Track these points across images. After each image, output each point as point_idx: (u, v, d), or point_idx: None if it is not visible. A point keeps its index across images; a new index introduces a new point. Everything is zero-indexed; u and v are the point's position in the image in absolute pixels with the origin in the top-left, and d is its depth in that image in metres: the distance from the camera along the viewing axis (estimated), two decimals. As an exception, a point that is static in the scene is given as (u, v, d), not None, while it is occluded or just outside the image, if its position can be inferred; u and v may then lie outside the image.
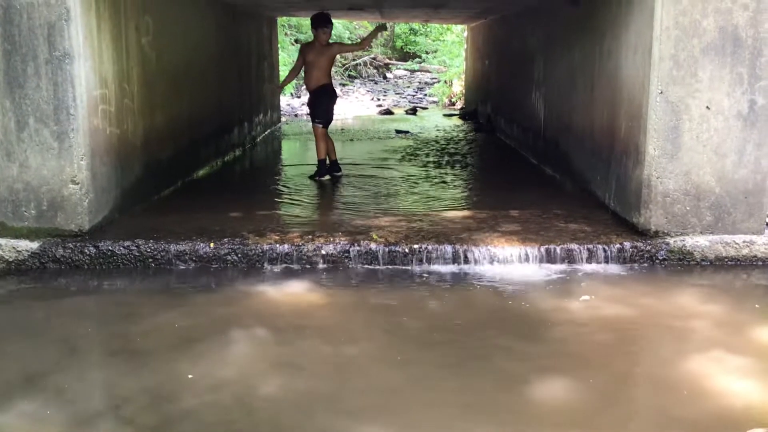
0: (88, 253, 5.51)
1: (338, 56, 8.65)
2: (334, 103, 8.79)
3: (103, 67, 5.90)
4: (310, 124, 8.90)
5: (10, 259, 5.50)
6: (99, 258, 5.51)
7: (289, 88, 20.00)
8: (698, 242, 5.71)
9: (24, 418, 3.42)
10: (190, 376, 3.80)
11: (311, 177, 8.71)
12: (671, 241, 5.70)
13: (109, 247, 5.53)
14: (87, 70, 5.59)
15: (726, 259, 5.70)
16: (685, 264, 5.66)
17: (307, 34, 22.81)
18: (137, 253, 5.53)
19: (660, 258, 5.65)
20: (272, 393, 3.67)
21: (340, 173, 8.86)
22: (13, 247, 5.51)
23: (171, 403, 3.55)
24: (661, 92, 5.52)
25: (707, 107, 5.56)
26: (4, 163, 5.52)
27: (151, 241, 5.59)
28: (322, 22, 8.37)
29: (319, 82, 8.52)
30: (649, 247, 5.66)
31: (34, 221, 5.60)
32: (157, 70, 7.18)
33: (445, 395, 3.66)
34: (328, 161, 8.82)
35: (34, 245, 5.52)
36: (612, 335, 4.40)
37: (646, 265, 5.63)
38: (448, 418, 3.44)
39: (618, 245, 5.65)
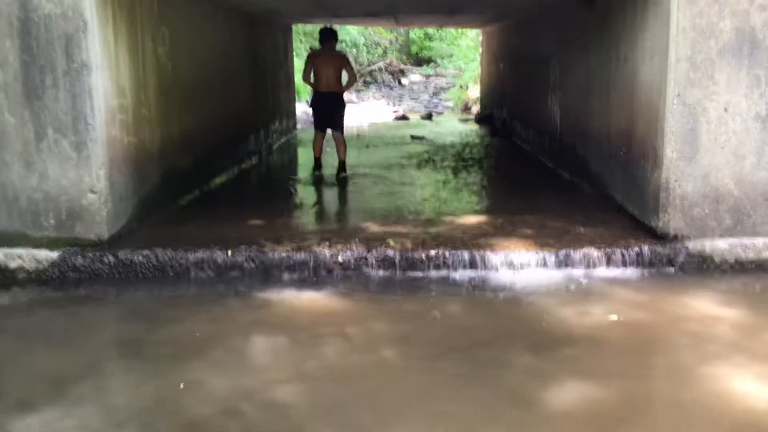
0: (107, 261, 5.55)
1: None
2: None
3: (121, 78, 5.95)
4: (328, 130, 9.49)
5: (31, 269, 5.55)
6: (118, 267, 5.55)
7: (305, 95, 20.08)
8: (718, 245, 5.66)
9: (45, 425, 3.45)
10: (209, 384, 3.81)
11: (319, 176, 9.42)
12: (690, 244, 5.66)
13: (128, 256, 5.56)
14: (105, 80, 5.64)
15: (746, 263, 5.64)
16: (704, 268, 5.61)
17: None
18: (155, 262, 5.56)
19: (679, 262, 5.60)
20: (290, 400, 3.68)
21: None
22: (34, 257, 5.56)
23: (191, 410, 3.56)
24: (678, 95, 5.49)
25: (725, 109, 5.52)
26: (24, 174, 5.58)
27: (169, 249, 5.62)
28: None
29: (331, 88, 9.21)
30: (668, 251, 5.62)
31: (54, 231, 5.65)
32: (174, 80, 7.23)
33: (460, 406, 3.64)
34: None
35: (53, 255, 5.57)
36: (632, 341, 4.37)
37: (665, 269, 5.58)
38: (463, 429, 3.42)
39: (637, 249, 5.61)
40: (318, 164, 9.60)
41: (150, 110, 6.59)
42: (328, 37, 9.30)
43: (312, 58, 9.35)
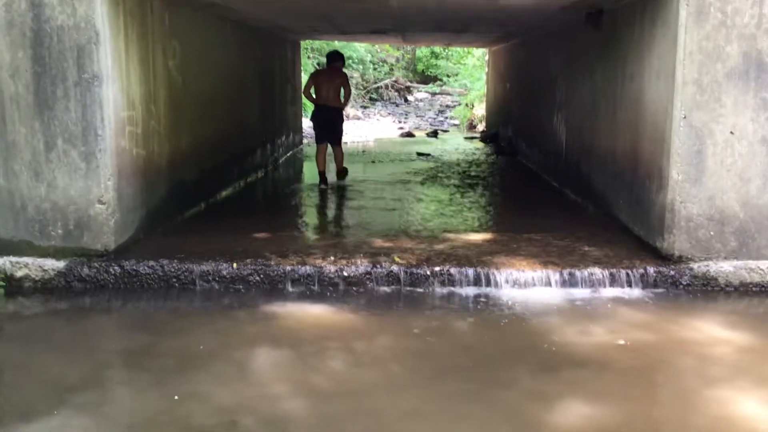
0: (113, 272, 5.57)
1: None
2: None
3: (131, 90, 6.00)
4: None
5: (37, 278, 5.57)
6: (124, 277, 5.57)
7: (311, 110, 20.13)
8: (722, 268, 5.66)
9: (49, 436, 3.46)
10: (212, 396, 3.82)
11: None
12: (695, 266, 5.66)
13: (134, 267, 5.58)
14: (115, 92, 5.69)
15: (751, 285, 5.64)
16: (709, 289, 5.62)
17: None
18: (161, 273, 5.58)
19: (684, 283, 5.61)
20: (293, 414, 3.68)
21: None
22: (40, 266, 5.58)
23: (193, 422, 3.57)
24: (685, 117, 5.52)
25: (731, 132, 5.54)
26: (33, 183, 5.61)
27: (175, 261, 5.64)
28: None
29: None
30: (672, 272, 5.63)
31: (61, 240, 5.68)
32: (183, 93, 7.28)
33: (461, 425, 3.63)
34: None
35: (60, 264, 5.59)
36: (636, 362, 4.36)
37: (669, 290, 5.58)
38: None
39: (641, 270, 5.62)
40: (323, 178, 9.83)
41: (159, 122, 6.63)
42: (334, 58, 10.06)
43: (314, 75, 10.13)
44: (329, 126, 9.90)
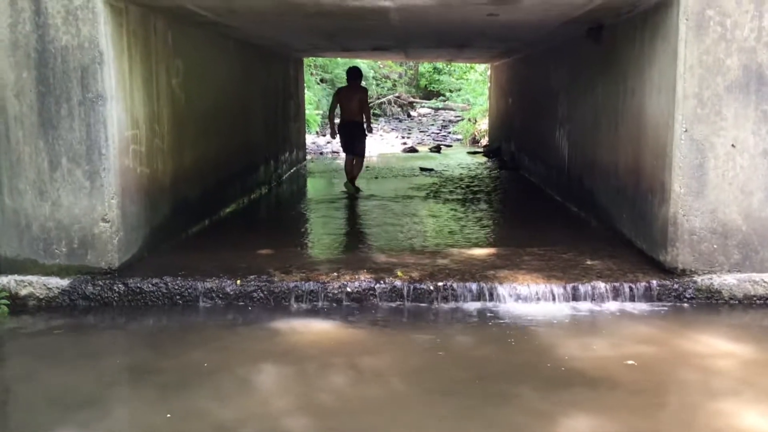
0: (117, 290, 5.58)
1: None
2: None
3: (135, 109, 6.04)
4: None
5: (41, 296, 5.59)
6: (128, 295, 5.58)
7: (315, 127, 20.23)
8: (726, 281, 5.66)
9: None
10: (215, 412, 3.82)
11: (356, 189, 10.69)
12: (698, 279, 5.66)
13: (138, 285, 5.60)
14: (119, 111, 5.73)
15: (755, 298, 5.64)
16: (713, 303, 5.61)
17: (332, 74, 23.13)
18: (165, 291, 5.60)
19: (687, 297, 5.60)
20: (296, 431, 3.68)
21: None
22: (44, 284, 5.60)
23: (198, 440, 3.57)
24: (686, 130, 5.53)
25: (732, 145, 5.56)
26: (37, 202, 5.64)
27: (179, 278, 5.66)
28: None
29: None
30: (676, 286, 5.62)
31: (65, 259, 5.70)
32: (187, 111, 7.32)
33: (471, 434, 3.64)
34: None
35: (64, 282, 5.61)
36: (639, 376, 4.35)
37: (673, 303, 5.58)
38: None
39: (645, 283, 5.61)
40: (352, 184, 10.70)
41: (163, 141, 6.67)
42: (354, 75, 10.85)
43: (338, 94, 10.97)
44: (353, 137, 10.73)
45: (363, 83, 11.19)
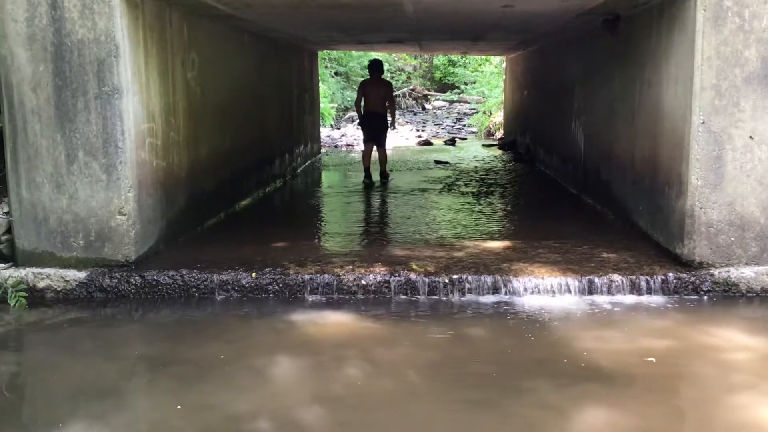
0: (133, 282, 5.62)
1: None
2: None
3: (151, 102, 6.06)
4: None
5: (59, 288, 5.63)
6: (144, 287, 5.61)
7: (329, 120, 20.25)
8: (743, 273, 5.61)
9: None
10: (230, 403, 3.84)
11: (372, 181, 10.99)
12: (716, 272, 5.62)
13: (155, 277, 5.63)
14: (135, 104, 5.75)
15: (773, 291, 5.59)
16: (730, 295, 5.57)
17: (346, 67, 23.11)
18: (181, 283, 5.62)
19: (704, 289, 5.56)
20: (312, 423, 3.69)
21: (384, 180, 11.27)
22: (62, 277, 5.64)
23: (210, 429, 3.59)
24: (704, 122, 5.49)
25: (750, 137, 5.51)
26: (54, 195, 5.68)
27: (195, 271, 5.69)
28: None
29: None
30: (693, 279, 5.59)
31: (82, 251, 5.74)
32: (202, 104, 7.35)
33: (484, 430, 3.63)
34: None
35: (81, 275, 5.65)
36: (657, 369, 4.33)
37: (690, 296, 5.54)
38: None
39: (661, 276, 5.58)
40: (368, 174, 11.01)
41: (179, 134, 6.70)
42: (376, 68, 11.26)
43: (363, 86, 11.30)
44: (375, 129, 11.11)
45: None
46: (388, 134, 11.44)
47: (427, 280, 5.59)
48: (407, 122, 23.67)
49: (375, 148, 11.13)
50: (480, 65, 28.12)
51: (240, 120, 8.86)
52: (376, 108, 11.05)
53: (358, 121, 12.15)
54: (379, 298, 5.55)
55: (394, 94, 11.71)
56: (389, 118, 11.31)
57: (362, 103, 11.12)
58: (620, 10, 7.10)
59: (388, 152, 11.91)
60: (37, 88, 5.56)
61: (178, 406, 3.85)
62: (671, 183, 5.96)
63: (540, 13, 7.60)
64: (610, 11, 7.19)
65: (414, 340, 4.84)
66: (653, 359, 4.44)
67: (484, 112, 22.04)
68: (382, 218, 8.39)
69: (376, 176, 11.14)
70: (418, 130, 21.63)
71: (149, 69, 6.02)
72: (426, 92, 29.12)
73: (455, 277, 5.60)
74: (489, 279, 5.57)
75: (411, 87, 28.24)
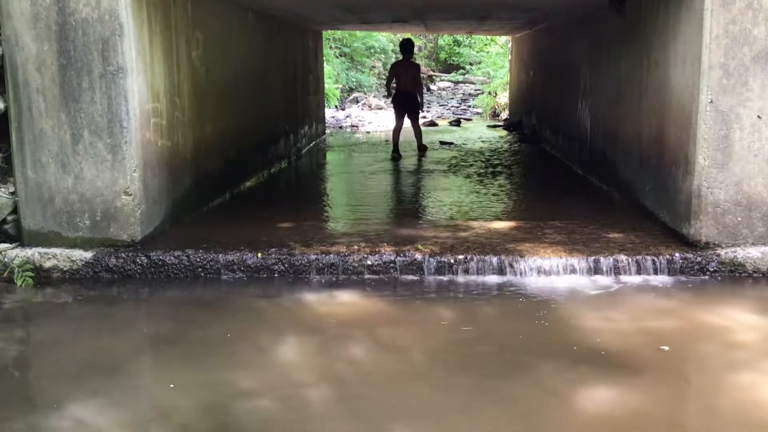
0: (139, 262, 5.63)
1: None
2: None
3: (155, 81, 6.04)
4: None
5: (65, 269, 5.65)
6: (150, 267, 5.62)
7: (334, 101, 20.19)
8: (750, 253, 5.60)
9: (74, 419, 3.52)
10: (236, 381, 3.86)
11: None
12: (722, 252, 5.61)
13: (160, 257, 5.64)
14: (140, 84, 5.73)
15: (779, 271, 5.58)
16: (736, 276, 5.55)
17: (350, 48, 23.00)
18: (187, 263, 5.63)
19: (711, 270, 5.55)
20: (318, 402, 3.71)
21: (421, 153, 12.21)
22: (68, 257, 5.66)
23: (220, 410, 3.61)
24: (711, 101, 5.45)
25: (758, 116, 5.47)
26: (60, 175, 5.68)
27: (201, 251, 5.69)
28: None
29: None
30: (699, 259, 5.57)
31: (88, 231, 5.75)
32: (207, 84, 7.32)
33: (486, 412, 3.64)
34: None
35: (87, 255, 5.66)
36: (664, 350, 4.33)
37: (696, 277, 5.53)
38: None
39: (667, 256, 5.57)
40: (395, 148, 11.75)
41: (183, 113, 6.68)
42: (407, 49, 11.94)
43: (394, 67, 12.06)
44: (407, 106, 11.82)
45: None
46: (419, 109, 12.12)
47: (432, 260, 5.59)
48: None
49: (408, 124, 11.87)
50: (485, 45, 27.96)
51: (245, 100, 8.84)
52: (407, 88, 11.69)
53: (390, 99, 12.71)
54: (385, 278, 5.56)
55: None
56: (419, 98, 11.96)
57: (393, 83, 11.88)
58: (628, -11, 7.03)
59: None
60: (42, 68, 5.54)
61: (184, 384, 3.87)
62: (678, 163, 5.93)
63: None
64: (618, -11, 7.13)
65: (418, 319, 4.85)
66: (656, 335, 4.44)
67: (490, 93, 21.93)
68: (387, 199, 8.37)
69: (402, 151, 11.89)
70: (422, 111, 21.55)
71: (153, 48, 5.99)
72: (431, 73, 28.98)
73: (461, 257, 5.60)
74: (494, 259, 5.57)
75: (416, 67, 28.06)
